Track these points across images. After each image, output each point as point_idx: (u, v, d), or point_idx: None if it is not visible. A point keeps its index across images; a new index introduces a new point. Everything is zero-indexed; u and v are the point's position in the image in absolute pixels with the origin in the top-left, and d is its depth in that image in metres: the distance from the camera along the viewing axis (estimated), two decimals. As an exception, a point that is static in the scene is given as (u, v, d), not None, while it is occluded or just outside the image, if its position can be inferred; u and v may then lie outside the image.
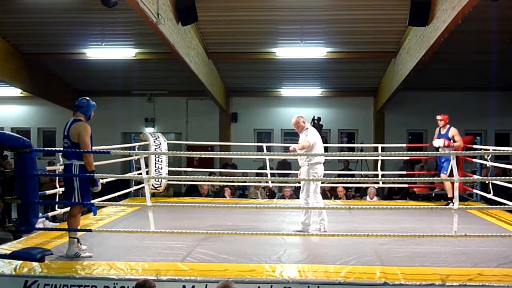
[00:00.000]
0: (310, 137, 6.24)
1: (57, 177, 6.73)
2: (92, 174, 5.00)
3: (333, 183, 10.68)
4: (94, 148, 5.61)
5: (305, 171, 6.25)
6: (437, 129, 8.29)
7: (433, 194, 9.99)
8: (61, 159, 6.45)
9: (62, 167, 6.55)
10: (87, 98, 5.22)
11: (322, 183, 8.83)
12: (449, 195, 8.08)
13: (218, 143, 14.27)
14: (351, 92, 15.39)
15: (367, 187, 10.06)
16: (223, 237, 5.73)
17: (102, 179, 5.25)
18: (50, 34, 11.41)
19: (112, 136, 14.32)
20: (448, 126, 8.10)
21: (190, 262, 4.81)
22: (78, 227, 5.17)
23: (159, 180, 8.85)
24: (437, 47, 9.02)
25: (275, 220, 7.16)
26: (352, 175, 11.63)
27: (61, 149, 5.30)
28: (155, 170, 8.63)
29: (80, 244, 5.08)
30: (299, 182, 7.26)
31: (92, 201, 5.43)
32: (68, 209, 6.42)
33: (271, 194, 10.98)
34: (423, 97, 14.69)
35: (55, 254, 4.91)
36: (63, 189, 6.55)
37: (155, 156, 8.62)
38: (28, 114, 16.53)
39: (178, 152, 13.62)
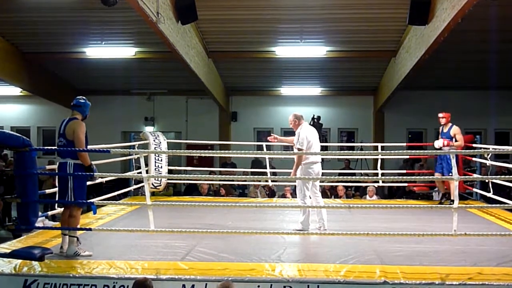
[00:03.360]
0: (302, 139, 6.19)
1: (56, 176, 6.73)
2: (91, 173, 5.02)
3: (332, 182, 10.68)
4: (92, 147, 5.63)
5: (299, 169, 6.25)
6: (440, 128, 8.29)
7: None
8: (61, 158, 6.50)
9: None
10: (84, 97, 5.32)
11: (321, 182, 8.84)
12: (442, 191, 8.17)
13: (218, 142, 14.27)
14: (351, 91, 15.38)
15: (367, 186, 10.06)
16: (222, 236, 5.72)
17: (101, 178, 5.24)
18: (50, 33, 11.41)
19: (112, 135, 14.30)
20: (450, 124, 8.10)
21: (190, 261, 4.81)
22: (78, 226, 5.17)
23: (159, 179, 8.86)
24: (437, 46, 9.02)
25: (275, 219, 7.17)
26: (353, 174, 11.63)
27: (61, 148, 5.31)
28: (155, 169, 8.63)
29: (80, 243, 5.08)
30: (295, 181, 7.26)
31: (91, 200, 5.43)
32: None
33: (271, 193, 10.98)
34: (422, 96, 14.69)
35: (55, 253, 4.90)
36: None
37: (155, 155, 8.63)
38: (28, 113, 16.52)
39: (178, 151, 13.64)
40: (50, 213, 6.91)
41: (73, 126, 5.03)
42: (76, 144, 4.98)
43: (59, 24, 10.80)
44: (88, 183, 5.29)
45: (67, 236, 5.05)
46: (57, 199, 5.44)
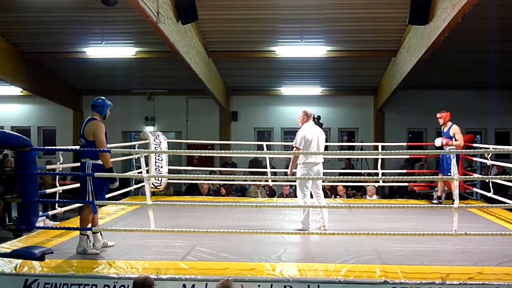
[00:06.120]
0: (300, 138, 6.22)
1: (57, 176, 6.74)
2: (114, 178, 5.16)
3: (332, 181, 10.68)
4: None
5: (298, 170, 6.27)
6: (442, 128, 8.31)
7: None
8: (61, 158, 6.54)
9: (62, 166, 6.64)
10: (103, 97, 5.37)
11: (323, 181, 8.85)
12: (439, 194, 8.20)
13: (218, 142, 14.26)
14: (351, 91, 15.37)
15: (367, 186, 10.06)
16: (223, 236, 5.73)
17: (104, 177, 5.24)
18: (50, 33, 11.40)
19: (112, 135, 14.15)
20: (450, 124, 8.10)
21: (190, 261, 4.82)
22: (89, 225, 5.23)
23: (159, 179, 8.86)
24: (437, 45, 9.01)
25: (275, 218, 7.17)
26: (353, 174, 11.61)
27: (61, 147, 5.33)
28: (155, 168, 8.63)
29: (90, 241, 5.13)
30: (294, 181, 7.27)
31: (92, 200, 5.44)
32: (70, 207, 6.52)
33: (271, 192, 10.98)
34: (423, 96, 14.67)
35: (55, 253, 4.90)
36: (63, 187, 6.62)
37: (155, 155, 8.63)
38: (28, 113, 16.50)
39: (178, 150, 13.63)
40: (50, 213, 6.90)
41: (92, 127, 5.09)
42: (98, 146, 5.04)
43: (59, 24, 10.79)
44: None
45: (97, 234, 5.24)
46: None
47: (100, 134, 5.05)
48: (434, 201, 8.28)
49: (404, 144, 11.91)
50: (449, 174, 7.84)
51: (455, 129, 8.00)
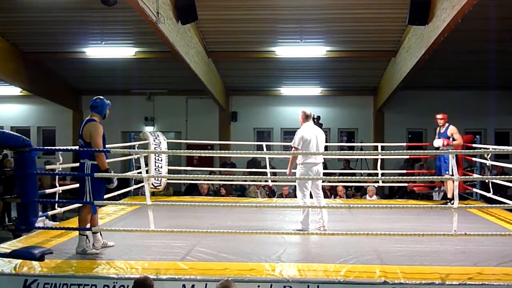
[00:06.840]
0: (298, 138, 6.22)
1: (56, 176, 6.74)
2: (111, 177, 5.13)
3: (332, 182, 10.68)
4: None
5: (297, 170, 6.28)
6: (437, 129, 8.32)
7: (438, 193, 10.01)
8: (60, 158, 6.54)
9: (62, 166, 6.64)
10: (101, 97, 5.33)
11: (323, 182, 8.85)
12: (449, 196, 8.09)
13: (218, 142, 14.26)
14: (351, 91, 15.38)
15: (367, 186, 10.06)
16: (222, 236, 5.73)
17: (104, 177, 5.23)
18: (50, 33, 11.40)
19: (111, 135, 14.17)
20: (447, 124, 8.13)
21: (190, 261, 4.82)
22: (88, 225, 5.23)
23: (159, 179, 8.86)
24: (437, 46, 9.02)
25: (275, 219, 7.16)
26: (353, 174, 11.62)
27: (60, 148, 5.32)
28: (155, 169, 8.63)
29: (89, 241, 5.14)
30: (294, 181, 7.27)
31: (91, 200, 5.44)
32: (70, 207, 6.52)
33: (271, 193, 10.98)
34: (422, 96, 14.69)
35: (55, 253, 4.90)
36: (63, 188, 6.61)
37: (155, 155, 8.63)
38: (28, 113, 16.51)
39: (178, 151, 13.63)
40: (50, 213, 6.91)
41: (90, 129, 5.07)
42: (94, 148, 5.03)
43: (59, 24, 10.80)
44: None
45: (97, 234, 5.25)
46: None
47: (97, 137, 5.03)
48: (449, 204, 8.09)
49: (404, 144, 11.91)
50: (447, 173, 7.85)
51: (453, 129, 8.03)
